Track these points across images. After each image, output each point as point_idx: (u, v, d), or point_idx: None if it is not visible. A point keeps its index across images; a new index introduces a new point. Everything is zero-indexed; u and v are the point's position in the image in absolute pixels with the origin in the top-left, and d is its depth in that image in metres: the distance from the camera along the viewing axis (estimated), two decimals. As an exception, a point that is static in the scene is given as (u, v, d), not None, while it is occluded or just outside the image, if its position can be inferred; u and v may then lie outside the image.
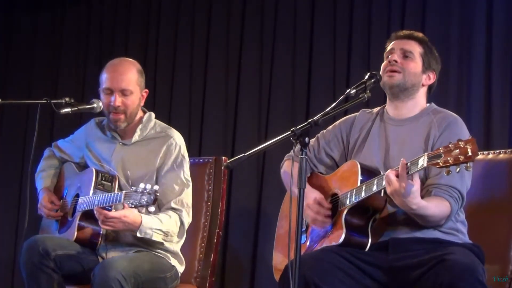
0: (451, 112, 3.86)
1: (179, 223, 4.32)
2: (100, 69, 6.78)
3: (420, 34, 3.93)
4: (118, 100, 4.35)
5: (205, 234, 4.70)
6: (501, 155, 4.12)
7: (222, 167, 4.77)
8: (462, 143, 3.13)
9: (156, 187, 3.94)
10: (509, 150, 4.13)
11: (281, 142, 3.36)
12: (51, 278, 4.12)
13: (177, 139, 4.47)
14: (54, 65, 7.18)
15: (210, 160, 4.85)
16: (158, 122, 4.56)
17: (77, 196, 4.43)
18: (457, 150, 3.14)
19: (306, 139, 3.27)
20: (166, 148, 4.41)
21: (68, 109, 4.34)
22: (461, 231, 3.71)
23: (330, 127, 4.08)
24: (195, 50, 6.63)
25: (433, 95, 3.96)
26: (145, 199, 3.92)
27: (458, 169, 3.17)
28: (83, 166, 4.61)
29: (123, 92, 4.37)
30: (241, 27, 6.49)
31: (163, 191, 4.28)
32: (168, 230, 4.25)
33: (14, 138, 7.21)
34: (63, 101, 4.33)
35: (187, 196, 4.39)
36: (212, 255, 4.70)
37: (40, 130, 4.43)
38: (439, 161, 3.19)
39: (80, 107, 4.39)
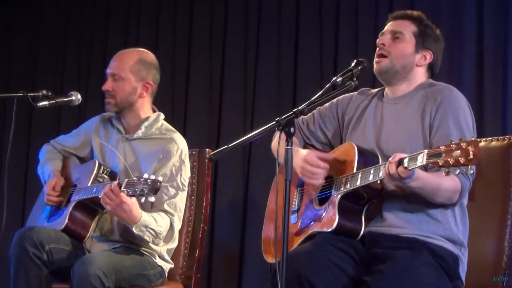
0: (446, 84, 3.77)
1: (168, 228, 4.29)
2: (79, 61, 6.72)
3: (416, 13, 3.85)
4: (106, 84, 4.41)
5: (189, 229, 4.65)
6: (493, 143, 4.06)
7: (206, 160, 4.73)
8: (464, 144, 3.03)
9: (160, 178, 3.90)
10: (501, 137, 4.07)
11: (267, 133, 3.32)
12: (41, 272, 4.09)
13: (180, 143, 4.44)
14: (32, 57, 7.14)
15: (194, 152, 4.79)
16: (166, 124, 4.56)
17: (75, 186, 4.42)
18: (458, 151, 3.04)
19: (292, 129, 3.21)
20: (166, 151, 4.37)
21: (45, 102, 4.32)
22: (453, 223, 3.61)
23: (327, 104, 4.01)
24: (178, 40, 6.59)
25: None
26: (146, 189, 3.87)
27: (458, 170, 3.08)
28: (86, 161, 4.58)
29: (113, 77, 4.41)
30: (225, 15, 6.46)
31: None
32: (160, 231, 4.22)
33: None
34: (40, 94, 4.35)
35: (181, 200, 4.37)
36: (197, 251, 4.65)
37: (17, 124, 4.37)
38: (439, 160, 3.10)
39: (58, 100, 4.38)
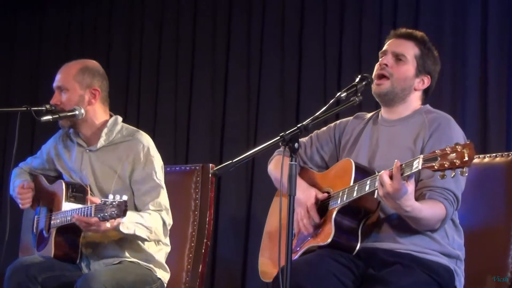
0: (444, 113, 3.76)
1: (161, 221, 4.21)
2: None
3: (420, 34, 3.82)
4: (54, 98, 4.32)
5: (192, 244, 4.62)
6: (497, 159, 4.04)
7: (210, 175, 4.68)
8: (460, 147, 3.06)
9: (125, 197, 3.83)
10: (506, 153, 4.05)
11: (271, 148, 3.31)
12: None
13: (145, 141, 4.34)
14: (34, 71, 7.12)
15: (197, 167, 4.77)
16: (126, 125, 4.45)
17: (51, 211, 4.34)
18: (454, 154, 3.06)
19: (296, 144, 3.20)
20: (135, 154, 4.29)
21: (49, 117, 4.26)
22: (445, 238, 3.60)
23: (325, 128, 4.02)
24: (180, 54, 6.58)
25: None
26: (115, 211, 3.82)
27: (454, 174, 3.10)
28: (56, 177, 4.49)
29: (59, 89, 4.33)
30: (228, 29, 6.46)
31: (139, 197, 4.23)
32: (151, 225, 4.14)
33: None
34: (43, 108, 4.29)
35: (164, 198, 4.28)
36: (200, 266, 4.61)
37: (20, 138, 4.36)
38: (434, 164, 3.12)
39: (61, 114, 4.32)
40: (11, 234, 4.25)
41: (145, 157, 4.28)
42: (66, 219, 4.11)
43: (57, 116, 4.29)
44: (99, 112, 4.38)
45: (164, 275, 4.34)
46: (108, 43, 6.88)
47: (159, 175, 4.30)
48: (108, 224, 3.94)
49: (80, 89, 4.32)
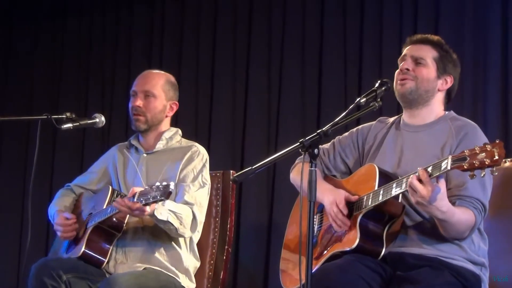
0: (469, 120, 3.78)
1: (191, 215, 4.25)
2: (102, 83, 6.74)
3: (436, 38, 3.85)
4: (138, 101, 4.42)
5: (214, 251, 4.61)
6: None
7: (230, 181, 4.69)
8: (489, 146, 3.07)
9: (171, 183, 3.88)
10: None
11: (291, 154, 3.31)
12: None
13: (202, 150, 4.50)
14: (55, 79, 7.15)
15: (218, 174, 4.78)
16: (184, 139, 4.59)
17: (90, 214, 4.38)
18: (483, 154, 3.07)
19: (315, 150, 3.21)
20: (190, 155, 4.42)
21: (69, 125, 4.31)
22: (471, 245, 3.60)
23: (347, 133, 4.04)
24: (201, 61, 6.57)
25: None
26: (158, 194, 3.86)
27: (483, 173, 3.10)
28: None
29: (146, 94, 4.43)
30: (248, 34, 6.46)
31: (179, 189, 4.30)
32: (182, 215, 4.18)
33: (15, 155, 7.18)
34: (64, 116, 4.33)
35: (202, 195, 4.36)
36: (222, 273, 4.62)
37: (41, 146, 4.35)
38: (464, 164, 3.12)
39: (81, 122, 4.37)
40: (33, 238, 4.27)
41: (197, 161, 4.41)
42: (105, 214, 4.17)
43: (78, 124, 4.33)
44: (166, 125, 4.55)
45: (189, 284, 4.35)
46: (129, 51, 6.90)
47: (205, 177, 4.41)
48: (148, 208, 4.00)
49: (165, 99, 4.48)
